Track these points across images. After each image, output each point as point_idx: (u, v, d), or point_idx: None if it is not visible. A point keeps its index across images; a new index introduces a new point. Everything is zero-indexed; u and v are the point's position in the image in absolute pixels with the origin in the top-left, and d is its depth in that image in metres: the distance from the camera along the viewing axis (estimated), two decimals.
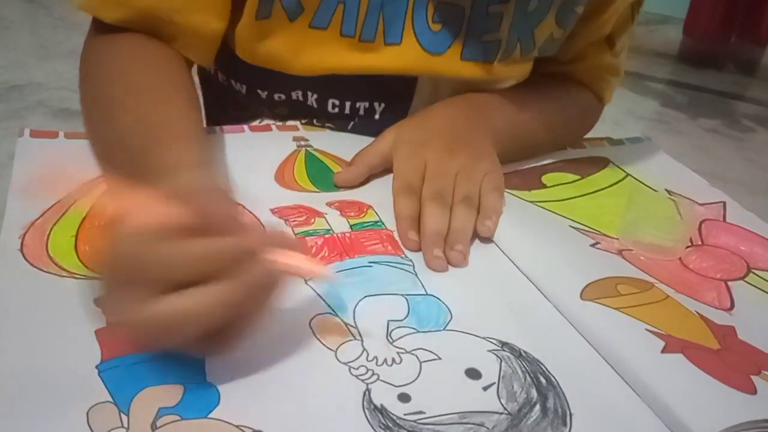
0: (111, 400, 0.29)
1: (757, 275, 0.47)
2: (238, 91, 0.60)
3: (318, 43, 0.51)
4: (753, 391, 0.33)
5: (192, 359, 0.31)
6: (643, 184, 0.58)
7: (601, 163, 0.61)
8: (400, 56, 0.53)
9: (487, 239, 0.45)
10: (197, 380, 0.30)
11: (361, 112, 0.58)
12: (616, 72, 0.66)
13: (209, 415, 0.29)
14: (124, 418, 0.28)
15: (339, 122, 0.59)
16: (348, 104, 0.57)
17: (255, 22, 0.50)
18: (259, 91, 0.58)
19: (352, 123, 0.59)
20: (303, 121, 0.59)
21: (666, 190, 0.57)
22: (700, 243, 0.51)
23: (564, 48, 0.60)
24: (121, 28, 0.48)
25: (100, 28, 0.50)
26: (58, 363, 0.30)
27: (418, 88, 0.58)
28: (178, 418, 0.28)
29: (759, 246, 0.51)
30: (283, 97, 0.58)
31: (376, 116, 0.59)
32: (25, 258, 0.37)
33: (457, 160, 0.48)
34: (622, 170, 0.60)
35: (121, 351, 0.31)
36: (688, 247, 0.49)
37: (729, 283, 0.45)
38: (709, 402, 0.32)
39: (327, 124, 0.59)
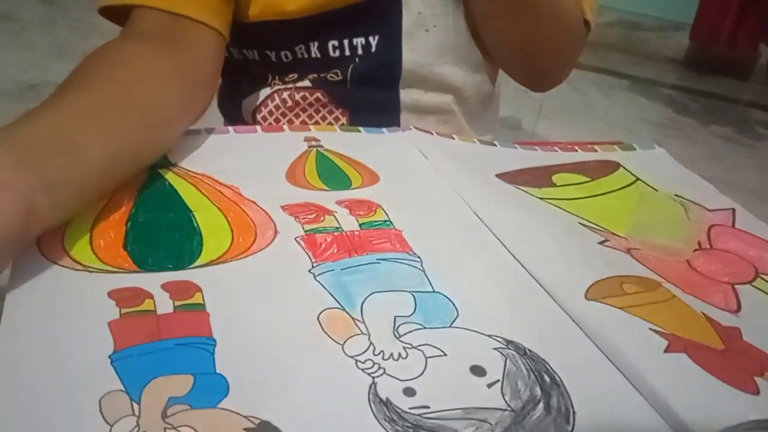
0: (123, 388, 0.29)
1: (765, 280, 0.47)
2: (252, 61, 0.64)
3: None
4: (756, 391, 0.33)
5: (201, 350, 0.32)
6: (653, 189, 0.58)
7: (612, 166, 0.61)
8: None
9: (494, 238, 0.45)
10: (207, 371, 0.31)
11: (360, 50, 0.62)
12: (591, 5, 0.67)
13: (218, 405, 0.29)
14: (135, 406, 0.29)
15: (342, 66, 0.62)
16: (346, 42, 0.61)
17: None
18: (268, 53, 0.63)
19: (352, 65, 0.62)
20: (311, 78, 0.63)
21: (676, 195, 0.57)
22: (708, 247, 0.51)
23: None
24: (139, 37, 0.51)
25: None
26: (71, 353, 0.31)
27: (405, 10, 0.61)
28: (188, 407, 0.29)
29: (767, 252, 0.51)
30: (289, 55, 0.63)
31: (373, 50, 0.62)
32: (41, 251, 0.37)
33: None
34: (633, 175, 0.60)
35: (133, 341, 0.32)
36: (696, 250, 0.49)
37: (736, 287, 0.46)
38: (710, 401, 0.32)
39: (332, 71, 0.62)
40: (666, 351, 0.35)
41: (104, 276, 0.36)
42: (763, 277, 0.48)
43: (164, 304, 0.35)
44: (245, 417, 0.29)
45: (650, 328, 0.37)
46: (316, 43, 0.62)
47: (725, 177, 1.70)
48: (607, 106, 2.09)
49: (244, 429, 0.29)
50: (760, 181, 1.75)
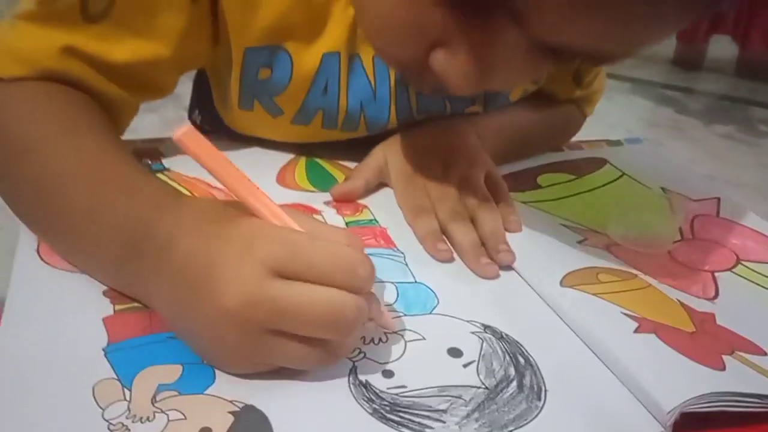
0: (115, 377, 0.31)
1: (745, 266, 0.48)
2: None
3: (302, 133, 0.53)
4: (722, 367, 0.35)
5: None
6: (638, 182, 0.59)
7: (599, 163, 0.62)
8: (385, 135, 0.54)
9: None
10: (195, 361, 0.33)
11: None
12: (590, 102, 0.67)
13: (205, 392, 0.31)
14: (127, 392, 0.31)
15: None
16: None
17: (239, 110, 0.52)
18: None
19: None
20: None
21: (661, 188, 0.58)
22: (691, 237, 0.52)
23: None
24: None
25: None
26: (68, 346, 0.33)
27: None
28: (176, 393, 0.31)
29: (750, 239, 0.52)
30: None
31: None
32: (40, 257, 0.39)
33: (455, 172, 0.50)
34: (619, 170, 0.61)
35: (125, 335, 0.34)
36: (678, 241, 0.50)
37: (716, 274, 0.47)
38: (676, 377, 0.34)
39: None
40: (636, 332, 0.36)
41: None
42: (744, 263, 0.49)
43: None
44: (230, 401, 0.31)
45: (622, 312, 0.38)
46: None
47: (727, 174, 1.70)
48: (609, 109, 2.10)
49: (229, 412, 0.30)
50: (761, 178, 1.75)
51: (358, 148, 0.54)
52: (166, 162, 0.51)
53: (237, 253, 0.31)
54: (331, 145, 0.55)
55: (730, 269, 0.48)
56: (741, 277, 0.47)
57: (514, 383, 0.33)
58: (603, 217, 0.52)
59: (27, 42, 0.42)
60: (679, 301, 0.42)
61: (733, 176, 1.70)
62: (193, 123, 0.74)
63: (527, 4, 0.32)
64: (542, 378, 0.34)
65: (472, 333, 0.36)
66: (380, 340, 0.35)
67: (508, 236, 0.46)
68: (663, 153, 0.67)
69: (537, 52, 0.35)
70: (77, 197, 0.38)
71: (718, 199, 0.58)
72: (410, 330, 0.36)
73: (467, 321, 0.37)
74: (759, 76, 2.55)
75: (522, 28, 0.33)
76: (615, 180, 0.59)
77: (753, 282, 0.46)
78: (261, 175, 0.51)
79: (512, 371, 0.34)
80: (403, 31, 0.37)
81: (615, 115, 2.06)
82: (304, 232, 0.33)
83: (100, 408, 0.29)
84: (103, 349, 0.33)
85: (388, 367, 0.34)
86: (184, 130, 0.32)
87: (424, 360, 0.34)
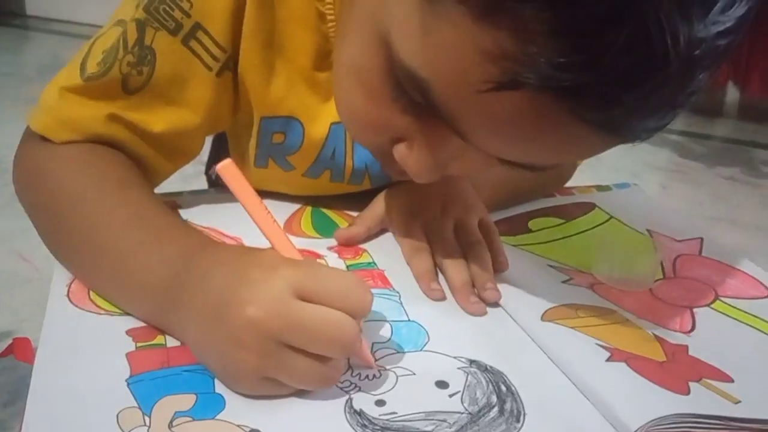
0: (137, 405, 0.35)
1: (723, 302, 0.51)
2: None
3: (311, 186, 0.58)
4: (686, 392, 0.38)
5: (203, 375, 0.38)
6: (625, 225, 0.62)
7: (588, 207, 0.65)
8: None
9: None
10: (207, 390, 0.37)
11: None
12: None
13: (215, 417, 0.35)
14: (147, 419, 0.34)
15: None
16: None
17: (255, 168, 0.57)
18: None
19: None
20: None
21: (647, 230, 0.62)
22: (672, 275, 0.55)
23: None
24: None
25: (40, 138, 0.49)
26: (95, 378, 0.37)
27: None
28: (191, 419, 0.35)
29: (730, 277, 0.55)
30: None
31: None
32: (70, 301, 0.44)
33: (451, 216, 0.54)
34: (607, 213, 0.64)
35: (146, 369, 0.38)
36: (659, 279, 0.54)
37: (694, 310, 0.50)
38: (642, 400, 0.37)
39: None
40: (607, 360, 0.40)
41: (123, 317, 0.42)
42: (722, 299, 0.52)
43: (173, 339, 0.41)
44: (238, 426, 0.34)
45: (596, 343, 0.42)
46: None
47: (731, 216, 1.73)
48: (612, 154, 2.12)
49: None
50: (766, 218, 1.78)
51: (362, 198, 0.58)
52: (183, 213, 0.55)
53: (265, 273, 0.36)
54: (336, 195, 0.59)
55: (708, 305, 0.51)
56: (718, 311, 0.50)
57: (496, 408, 0.37)
58: (589, 257, 0.55)
59: (77, 112, 0.48)
60: (654, 334, 0.45)
61: (737, 217, 1.72)
62: (210, 177, 0.79)
63: (462, 130, 0.35)
64: (522, 403, 0.37)
65: (459, 368, 0.40)
66: (374, 376, 0.39)
67: (497, 276, 0.50)
68: (649, 197, 0.70)
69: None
70: (128, 236, 0.43)
71: (701, 239, 0.61)
72: (401, 367, 0.40)
73: (454, 357, 0.41)
74: (761, 119, 2.59)
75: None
76: (603, 223, 0.63)
77: (728, 316, 0.49)
78: None
79: (494, 398, 0.37)
80: (369, 127, 0.42)
81: (620, 160, 2.10)
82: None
83: None
84: (126, 381, 0.37)
85: (381, 397, 0.37)
86: (225, 164, 0.38)
87: (414, 391, 0.38)
